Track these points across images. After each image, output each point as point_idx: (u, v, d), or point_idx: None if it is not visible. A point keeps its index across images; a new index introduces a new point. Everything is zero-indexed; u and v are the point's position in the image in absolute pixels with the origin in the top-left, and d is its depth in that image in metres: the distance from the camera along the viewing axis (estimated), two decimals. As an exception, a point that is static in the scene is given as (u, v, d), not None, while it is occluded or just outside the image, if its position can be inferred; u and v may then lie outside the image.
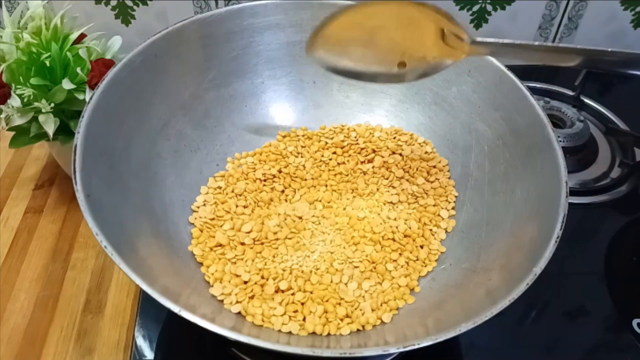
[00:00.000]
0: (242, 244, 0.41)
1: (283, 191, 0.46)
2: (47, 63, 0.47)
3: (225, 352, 0.42)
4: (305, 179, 0.47)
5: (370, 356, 0.38)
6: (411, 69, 0.39)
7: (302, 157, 0.48)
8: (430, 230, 0.43)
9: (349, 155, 0.49)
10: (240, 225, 0.43)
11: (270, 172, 0.47)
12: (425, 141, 0.49)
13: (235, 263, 0.40)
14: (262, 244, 0.42)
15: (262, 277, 0.39)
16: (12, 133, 0.50)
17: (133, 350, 0.42)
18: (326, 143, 0.49)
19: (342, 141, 0.49)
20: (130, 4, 0.63)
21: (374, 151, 0.49)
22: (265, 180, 0.47)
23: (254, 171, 0.47)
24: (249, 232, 0.42)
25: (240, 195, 0.45)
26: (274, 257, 0.41)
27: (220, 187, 0.46)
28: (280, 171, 0.47)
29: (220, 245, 0.41)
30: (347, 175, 0.47)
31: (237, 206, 0.44)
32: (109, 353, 0.45)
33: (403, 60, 0.38)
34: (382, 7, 0.36)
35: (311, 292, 0.38)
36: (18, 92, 0.46)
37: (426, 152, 0.48)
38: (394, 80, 0.41)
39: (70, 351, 0.45)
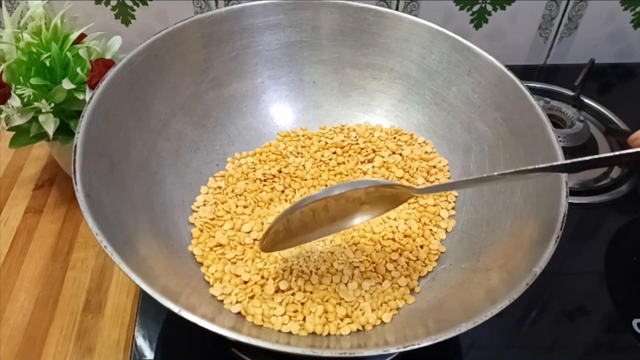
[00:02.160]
0: (242, 244, 0.41)
1: (283, 191, 0.46)
2: (47, 63, 0.47)
3: (225, 352, 0.42)
4: (305, 179, 0.47)
5: (370, 356, 0.38)
6: (374, 207, 0.37)
7: (302, 157, 0.48)
8: (430, 230, 0.43)
9: (349, 155, 0.49)
10: (241, 225, 0.43)
11: (270, 172, 0.47)
12: (425, 141, 0.49)
13: (235, 263, 0.40)
14: None
15: (262, 277, 0.39)
16: (12, 133, 0.50)
17: (133, 350, 0.42)
18: (326, 143, 0.49)
19: (342, 141, 0.49)
20: (130, 4, 0.63)
21: (374, 151, 0.49)
22: (265, 180, 0.47)
23: (254, 171, 0.47)
24: (249, 232, 0.42)
25: (240, 195, 0.45)
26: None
27: (220, 187, 0.46)
28: (280, 171, 0.47)
29: (220, 245, 0.41)
30: (347, 175, 0.47)
31: (237, 206, 0.44)
32: (109, 353, 0.45)
33: (364, 202, 0.37)
34: (318, 203, 0.35)
35: (311, 292, 0.38)
36: (18, 92, 0.46)
37: (426, 152, 0.48)
38: (358, 222, 0.38)
39: (70, 351, 0.45)
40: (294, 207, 0.35)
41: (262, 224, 0.43)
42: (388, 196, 0.37)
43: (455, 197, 0.45)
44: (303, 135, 0.50)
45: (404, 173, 0.47)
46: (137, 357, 0.41)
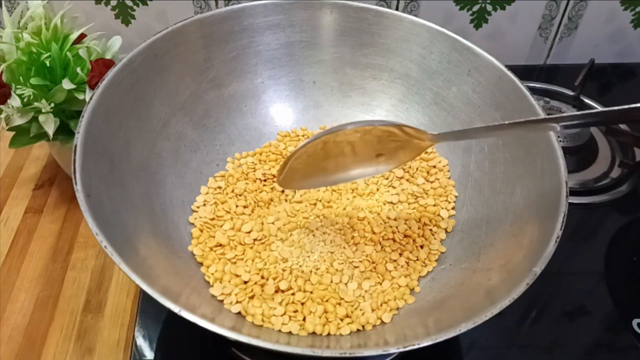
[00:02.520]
0: (242, 243, 0.41)
1: (283, 191, 0.46)
2: (47, 63, 0.47)
3: (225, 352, 0.42)
4: None
5: (370, 356, 0.38)
6: (390, 159, 0.39)
7: None
8: (430, 230, 0.43)
9: None
10: (241, 225, 0.43)
11: (270, 172, 0.47)
12: None
13: (235, 263, 0.40)
14: (263, 243, 0.42)
15: (262, 277, 0.39)
16: (12, 133, 0.50)
17: (133, 350, 0.42)
18: None
19: None
20: (130, 4, 0.63)
21: None
22: (265, 180, 0.47)
23: (254, 171, 0.47)
24: (249, 232, 0.42)
25: (240, 195, 0.45)
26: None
27: (220, 187, 0.46)
28: None
29: (220, 245, 0.41)
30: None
31: (237, 206, 0.44)
32: (109, 353, 0.45)
33: (380, 153, 0.38)
34: (341, 136, 0.36)
35: (311, 292, 0.38)
36: (18, 92, 0.46)
37: (426, 152, 0.48)
38: (374, 174, 0.41)
39: (70, 351, 0.45)
40: (307, 141, 0.36)
41: (262, 223, 0.43)
42: (402, 146, 0.37)
43: (455, 197, 0.45)
44: (303, 135, 0.50)
45: (404, 173, 0.47)
46: (137, 357, 0.41)
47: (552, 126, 0.32)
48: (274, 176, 0.47)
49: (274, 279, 0.39)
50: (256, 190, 0.46)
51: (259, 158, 0.48)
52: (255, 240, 0.42)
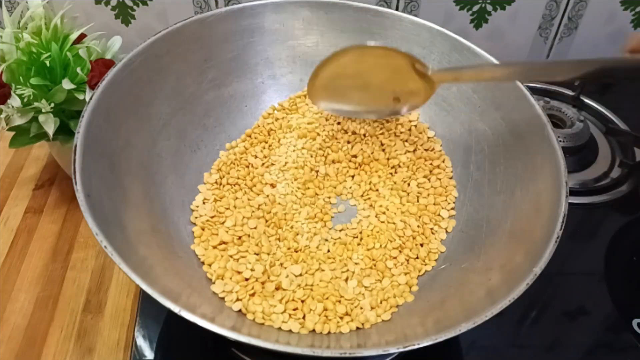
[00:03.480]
0: (245, 236, 0.42)
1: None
2: (47, 63, 0.47)
3: (226, 352, 0.42)
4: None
5: (370, 356, 0.38)
6: (405, 103, 0.44)
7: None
8: (431, 229, 0.43)
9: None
10: (242, 220, 0.42)
11: (262, 153, 0.47)
12: (434, 139, 0.49)
13: (237, 260, 0.40)
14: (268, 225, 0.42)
15: (263, 274, 0.39)
16: (12, 133, 0.50)
17: (133, 350, 0.42)
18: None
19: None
20: (130, 4, 0.63)
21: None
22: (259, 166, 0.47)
23: (246, 156, 0.47)
24: (254, 228, 0.42)
25: (235, 185, 0.45)
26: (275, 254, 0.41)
27: (217, 182, 0.45)
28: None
29: (224, 242, 0.41)
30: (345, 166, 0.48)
31: (235, 199, 0.44)
32: (109, 353, 0.45)
33: (397, 96, 0.44)
34: (364, 51, 0.42)
35: (311, 289, 0.39)
36: (18, 92, 0.46)
37: (431, 150, 0.48)
38: (391, 115, 0.47)
39: (70, 351, 0.45)
40: (333, 52, 0.41)
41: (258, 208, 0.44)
42: (414, 90, 0.42)
43: (455, 197, 0.45)
44: (285, 109, 0.51)
45: (407, 170, 0.47)
46: (137, 357, 0.41)
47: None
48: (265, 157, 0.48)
49: (276, 275, 0.39)
50: (249, 175, 0.46)
51: (250, 142, 0.48)
52: (256, 227, 0.42)
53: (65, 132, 0.49)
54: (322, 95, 0.44)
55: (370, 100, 0.45)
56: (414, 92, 0.43)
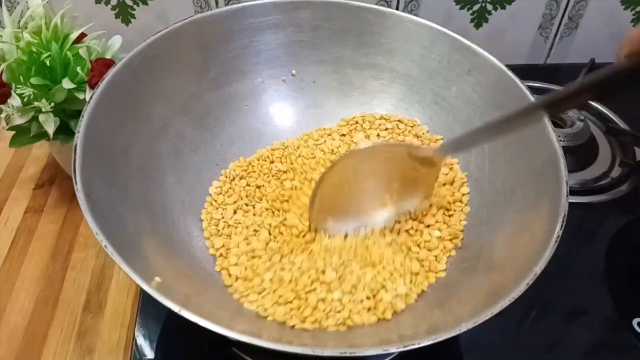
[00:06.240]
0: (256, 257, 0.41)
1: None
2: (47, 62, 0.47)
3: (226, 352, 0.42)
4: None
5: (370, 356, 0.38)
6: (413, 191, 0.42)
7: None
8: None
9: None
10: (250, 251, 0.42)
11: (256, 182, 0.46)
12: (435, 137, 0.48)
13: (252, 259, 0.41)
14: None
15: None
16: (12, 133, 0.50)
17: (133, 350, 0.42)
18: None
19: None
20: (130, 3, 0.63)
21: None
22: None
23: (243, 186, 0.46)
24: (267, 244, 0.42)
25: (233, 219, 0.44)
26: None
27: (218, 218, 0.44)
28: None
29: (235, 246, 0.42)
30: None
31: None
32: (109, 353, 0.45)
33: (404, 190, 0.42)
34: (360, 154, 0.41)
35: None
36: (18, 91, 0.46)
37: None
38: (405, 210, 0.43)
39: (70, 351, 0.45)
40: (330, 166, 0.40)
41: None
42: (413, 179, 0.41)
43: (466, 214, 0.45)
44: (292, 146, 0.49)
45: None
46: (137, 357, 0.41)
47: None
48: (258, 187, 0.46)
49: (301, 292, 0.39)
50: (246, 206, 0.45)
51: (249, 170, 0.47)
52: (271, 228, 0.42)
53: (65, 131, 0.49)
54: (326, 219, 0.41)
55: (377, 204, 0.42)
56: (419, 179, 0.41)
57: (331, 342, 0.35)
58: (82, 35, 0.50)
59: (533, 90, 0.43)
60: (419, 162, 0.40)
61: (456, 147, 0.41)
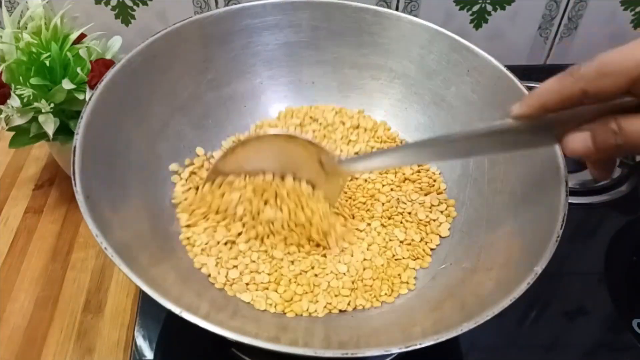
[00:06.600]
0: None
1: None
2: (47, 63, 0.47)
3: (226, 352, 0.42)
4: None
5: (370, 356, 0.38)
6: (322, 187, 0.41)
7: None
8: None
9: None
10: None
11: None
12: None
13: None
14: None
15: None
16: (12, 133, 0.50)
17: (133, 350, 0.42)
18: None
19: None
20: (130, 4, 0.63)
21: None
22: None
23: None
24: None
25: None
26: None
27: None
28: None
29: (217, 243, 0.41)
30: None
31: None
32: (109, 353, 0.45)
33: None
34: (266, 141, 0.40)
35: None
36: (18, 92, 0.46)
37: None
38: None
39: (70, 351, 0.45)
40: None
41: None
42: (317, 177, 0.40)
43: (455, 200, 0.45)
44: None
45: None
46: (137, 357, 0.41)
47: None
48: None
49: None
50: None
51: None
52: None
53: (65, 132, 0.49)
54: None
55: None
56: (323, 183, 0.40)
57: (332, 342, 0.35)
58: (82, 36, 0.50)
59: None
60: (324, 166, 0.40)
61: (364, 164, 0.40)
